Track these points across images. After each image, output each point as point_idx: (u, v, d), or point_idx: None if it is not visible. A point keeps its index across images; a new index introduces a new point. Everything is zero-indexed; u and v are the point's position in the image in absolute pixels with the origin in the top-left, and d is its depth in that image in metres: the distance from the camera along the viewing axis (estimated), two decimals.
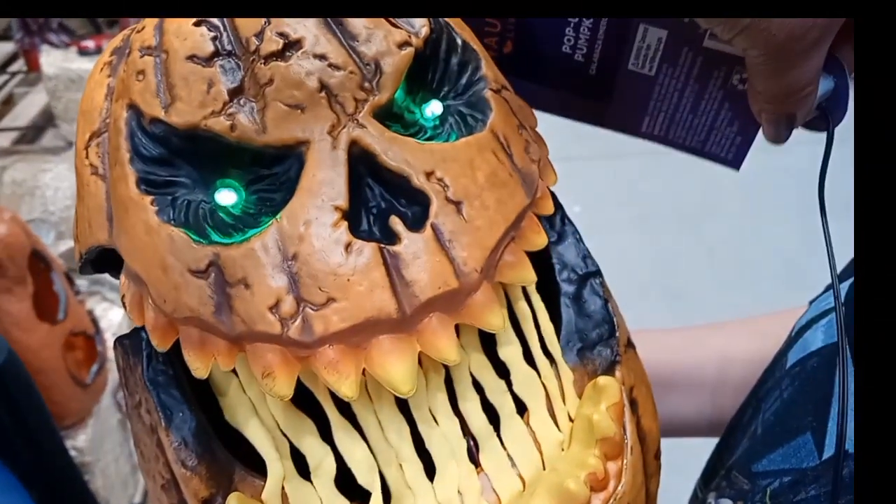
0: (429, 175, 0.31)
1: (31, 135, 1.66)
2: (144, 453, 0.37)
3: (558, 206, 0.41)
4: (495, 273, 0.32)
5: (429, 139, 0.33)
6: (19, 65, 1.84)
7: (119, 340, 0.37)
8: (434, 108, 0.34)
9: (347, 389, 0.30)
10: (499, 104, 0.34)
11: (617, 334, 0.39)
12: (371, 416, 0.33)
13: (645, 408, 0.40)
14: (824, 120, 0.41)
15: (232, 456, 0.34)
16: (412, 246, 0.30)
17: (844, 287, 0.49)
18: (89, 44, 1.61)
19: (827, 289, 0.53)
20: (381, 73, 0.32)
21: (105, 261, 0.35)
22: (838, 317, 0.39)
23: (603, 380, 0.36)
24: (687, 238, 2.57)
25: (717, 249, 2.51)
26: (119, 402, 1.29)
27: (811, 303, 0.54)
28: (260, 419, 0.34)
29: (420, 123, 0.34)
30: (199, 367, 0.31)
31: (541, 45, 0.44)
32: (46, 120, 1.67)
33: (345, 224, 0.30)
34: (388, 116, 0.33)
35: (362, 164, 0.31)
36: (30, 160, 1.56)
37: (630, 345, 0.41)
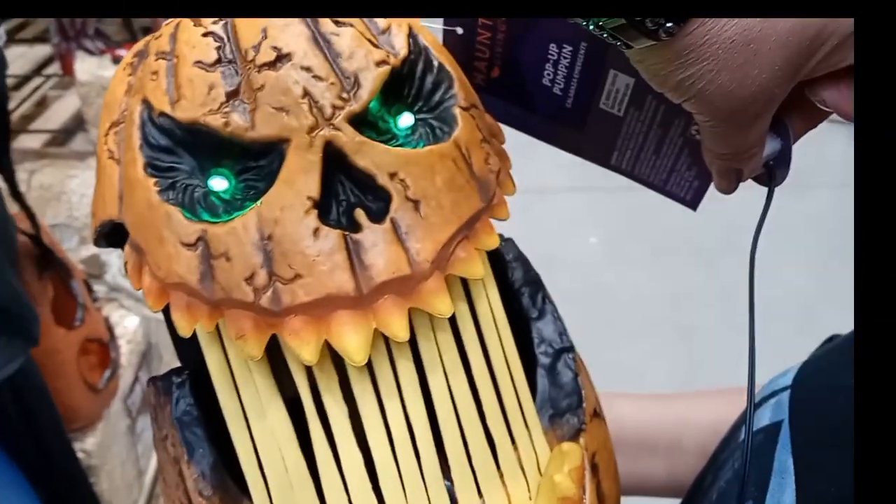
0: (392, 175, 0.38)
1: (61, 138, 1.76)
2: (167, 480, 0.45)
3: (540, 285, 0.49)
4: (447, 266, 0.40)
5: (399, 146, 0.41)
6: (54, 68, 1.95)
7: (152, 380, 0.45)
8: (406, 119, 0.42)
9: (307, 354, 0.37)
10: (465, 120, 0.42)
11: (584, 405, 0.46)
12: (337, 394, 0.40)
13: (606, 472, 0.48)
14: (770, 177, 0.48)
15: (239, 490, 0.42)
16: (372, 235, 0.38)
17: (792, 372, 0.55)
18: (123, 52, 1.71)
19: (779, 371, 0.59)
20: (359, 86, 0.39)
21: (116, 237, 0.43)
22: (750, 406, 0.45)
23: (567, 445, 0.45)
24: (701, 275, 2.63)
25: (730, 288, 2.56)
26: (129, 408, 1.37)
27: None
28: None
29: (393, 132, 0.41)
30: (183, 327, 0.39)
31: (524, 75, 0.52)
32: (77, 124, 1.77)
33: (315, 212, 0.37)
34: (363, 123, 0.40)
35: (335, 162, 0.38)
36: (58, 165, 1.66)
37: (597, 414, 0.48)
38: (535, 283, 0.49)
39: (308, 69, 0.38)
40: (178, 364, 0.46)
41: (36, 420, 1.06)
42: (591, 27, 0.37)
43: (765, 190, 0.48)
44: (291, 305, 0.37)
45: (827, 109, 0.44)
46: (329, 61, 0.39)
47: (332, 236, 0.37)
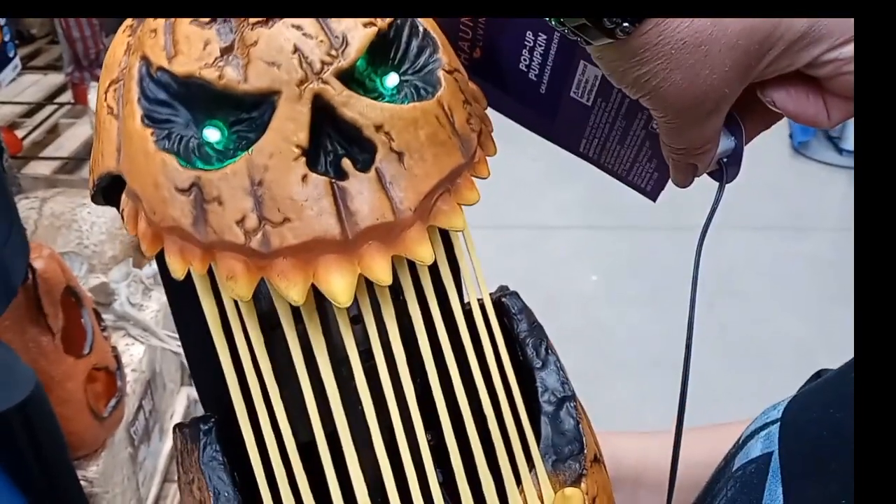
0: (378, 128, 0.43)
1: (71, 165, 1.83)
2: None
3: (543, 336, 0.54)
4: (429, 217, 0.44)
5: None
6: (67, 96, 2.03)
7: (179, 427, 0.50)
8: (392, 79, 0.46)
9: (295, 294, 0.41)
10: (449, 82, 0.46)
11: (585, 451, 0.51)
12: (319, 338, 0.44)
13: None
14: (721, 174, 0.53)
15: None
16: (357, 183, 0.42)
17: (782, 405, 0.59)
18: None
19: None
20: (347, 44, 0.44)
21: (112, 193, 0.47)
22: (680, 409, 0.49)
23: (569, 490, 0.50)
24: (700, 315, 2.68)
25: (729, 329, 2.65)
26: (132, 436, 1.41)
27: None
28: None
29: (379, 90, 0.46)
30: (176, 270, 0.43)
31: (503, 58, 0.57)
32: (88, 152, 1.83)
33: (303, 160, 0.41)
34: (351, 80, 0.44)
35: (323, 115, 0.43)
36: (69, 195, 1.72)
37: (597, 460, 0.53)
38: (538, 334, 0.55)
39: (299, 27, 0.43)
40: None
41: (43, 448, 1.10)
42: (555, 23, 0.42)
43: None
44: (280, 248, 0.41)
45: (777, 111, 0.48)
46: (319, 21, 0.43)
47: (319, 183, 0.41)
